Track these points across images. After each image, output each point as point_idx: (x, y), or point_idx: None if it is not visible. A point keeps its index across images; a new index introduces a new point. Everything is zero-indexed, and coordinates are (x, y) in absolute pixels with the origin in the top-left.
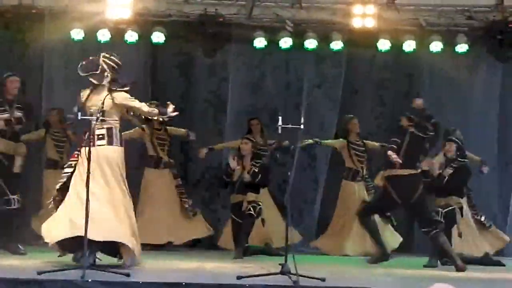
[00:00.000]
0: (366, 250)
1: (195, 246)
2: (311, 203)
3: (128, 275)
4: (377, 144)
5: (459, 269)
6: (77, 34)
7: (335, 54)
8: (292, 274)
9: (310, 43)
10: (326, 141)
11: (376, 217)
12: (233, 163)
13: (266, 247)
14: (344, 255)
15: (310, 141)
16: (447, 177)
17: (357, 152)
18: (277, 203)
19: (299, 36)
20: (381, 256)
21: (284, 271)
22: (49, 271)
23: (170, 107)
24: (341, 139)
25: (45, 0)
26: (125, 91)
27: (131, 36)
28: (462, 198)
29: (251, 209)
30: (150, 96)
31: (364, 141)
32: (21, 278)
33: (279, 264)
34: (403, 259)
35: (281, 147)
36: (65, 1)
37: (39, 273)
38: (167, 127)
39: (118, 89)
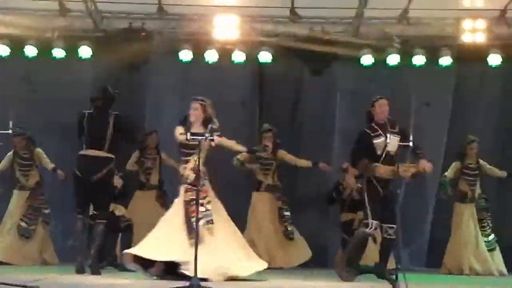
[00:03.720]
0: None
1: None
2: (422, 222)
3: None
4: (498, 171)
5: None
6: (185, 55)
7: (444, 70)
8: None
9: (418, 59)
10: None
11: None
12: (351, 181)
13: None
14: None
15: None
16: None
17: (466, 177)
18: None
19: (406, 52)
20: None
21: None
22: None
23: None
24: (454, 163)
25: (154, 23)
26: None
27: (239, 56)
28: None
29: None
30: (258, 115)
31: (482, 163)
32: None
33: (390, 283)
34: None
35: None
36: (172, 23)
37: None
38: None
39: None
